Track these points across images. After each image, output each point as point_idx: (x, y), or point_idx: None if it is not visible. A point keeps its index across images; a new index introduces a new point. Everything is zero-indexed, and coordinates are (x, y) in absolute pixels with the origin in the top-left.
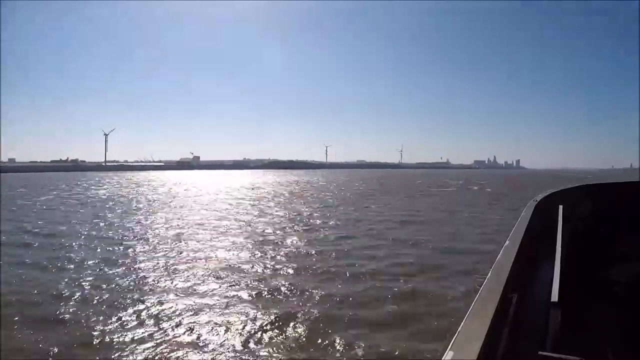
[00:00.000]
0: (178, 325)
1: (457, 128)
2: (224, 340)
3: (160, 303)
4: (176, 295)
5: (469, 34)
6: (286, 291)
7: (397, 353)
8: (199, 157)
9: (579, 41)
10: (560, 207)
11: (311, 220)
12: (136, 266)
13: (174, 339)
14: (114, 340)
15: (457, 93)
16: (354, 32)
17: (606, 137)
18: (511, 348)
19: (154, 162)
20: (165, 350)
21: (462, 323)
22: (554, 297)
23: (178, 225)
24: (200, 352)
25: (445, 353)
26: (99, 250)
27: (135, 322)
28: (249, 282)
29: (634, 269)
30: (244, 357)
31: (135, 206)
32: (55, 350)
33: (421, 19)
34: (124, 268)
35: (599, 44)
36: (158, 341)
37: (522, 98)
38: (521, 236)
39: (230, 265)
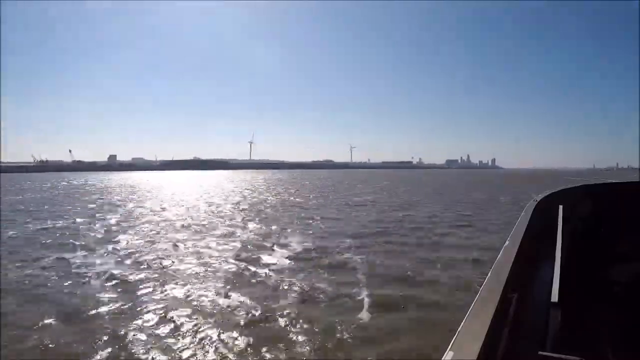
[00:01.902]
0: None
1: (430, 127)
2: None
3: None
4: None
5: (446, 33)
6: None
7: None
8: (115, 156)
9: (571, 42)
10: (560, 207)
11: None
12: None
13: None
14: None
15: (435, 91)
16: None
17: (590, 136)
18: (511, 348)
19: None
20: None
21: (462, 323)
22: (554, 297)
23: None
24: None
25: (445, 353)
26: None
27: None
28: None
29: (634, 269)
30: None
31: None
32: None
33: (390, 17)
34: None
35: (592, 44)
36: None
37: (502, 97)
38: (521, 236)
39: None
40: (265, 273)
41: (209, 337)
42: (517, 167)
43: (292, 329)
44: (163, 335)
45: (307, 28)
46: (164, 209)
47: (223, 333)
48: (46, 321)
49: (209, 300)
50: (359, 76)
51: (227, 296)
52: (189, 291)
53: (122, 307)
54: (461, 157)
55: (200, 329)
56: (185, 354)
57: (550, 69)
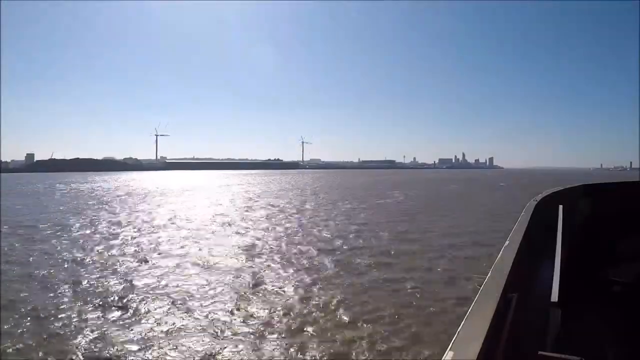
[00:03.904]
0: None
1: (424, 124)
2: None
3: None
4: None
5: (442, 27)
6: None
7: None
8: (33, 155)
9: (579, 38)
10: (560, 207)
11: None
12: None
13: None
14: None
15: (431, 88)
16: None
17: (597, 135)
18: (511, 348)
19: None
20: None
21: (462, 323)
22: (554, 297)
23: None
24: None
25: (445, 353)
26: None
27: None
28: None
29: (634, 269)
30: None
31: None
32: None
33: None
34: None
35: (601, 41)
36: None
37: (503, 94)
38: (521, 236)
39: None
40: None
41: None
42: (517, 166)
43: None
44: None
45: (294, 25)
46: None
47: None
48: None
49: None
50: (338, 70)
51: None
52: None
53: None
54: (455, 156)
55: None
56: None
57: (556, 65)
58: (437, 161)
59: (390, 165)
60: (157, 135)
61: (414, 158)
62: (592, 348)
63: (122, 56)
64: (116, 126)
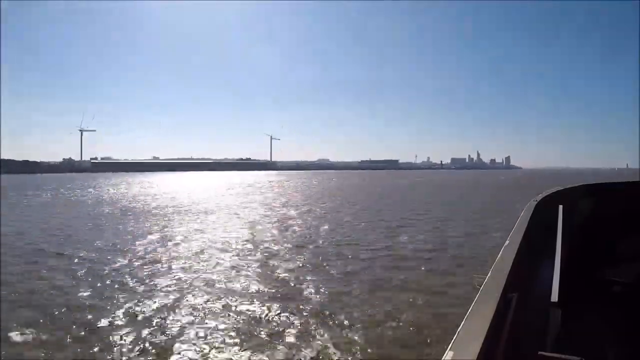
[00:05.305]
0: None
1: (436, 121)
2: None
3: None
4: None
5: (446, 27)
6: None
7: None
8: None
9: (603, 32)
10: (560, 207)
11: None
12: None
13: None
14: None
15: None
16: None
17: (622, 133)
18: (511, 348)
19: None
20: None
21: (462, 323)
22: (554, 297)
23: None
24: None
25: (445, 353)
26: None
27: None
28: None
29: (634, 269)
30: None
31: None
32: None
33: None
34: None
35: (598, 42)
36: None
37: (522, 90)
38: (521, 236)
39: None
40: None
41: None
42: (537, 166)
43: None
44: None
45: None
46: None
47: None
48: None
49: None
50: (339, 70)
51: None
52: None
53: None
54: (469, 155)
55: None
56: None
57: (578, 62)
58: (444, 161)
59: (389, 165)
60: (81, 131)
61: (428, 158)
62: (592, 348)
63: (122, 56)
64: (116, 126)
